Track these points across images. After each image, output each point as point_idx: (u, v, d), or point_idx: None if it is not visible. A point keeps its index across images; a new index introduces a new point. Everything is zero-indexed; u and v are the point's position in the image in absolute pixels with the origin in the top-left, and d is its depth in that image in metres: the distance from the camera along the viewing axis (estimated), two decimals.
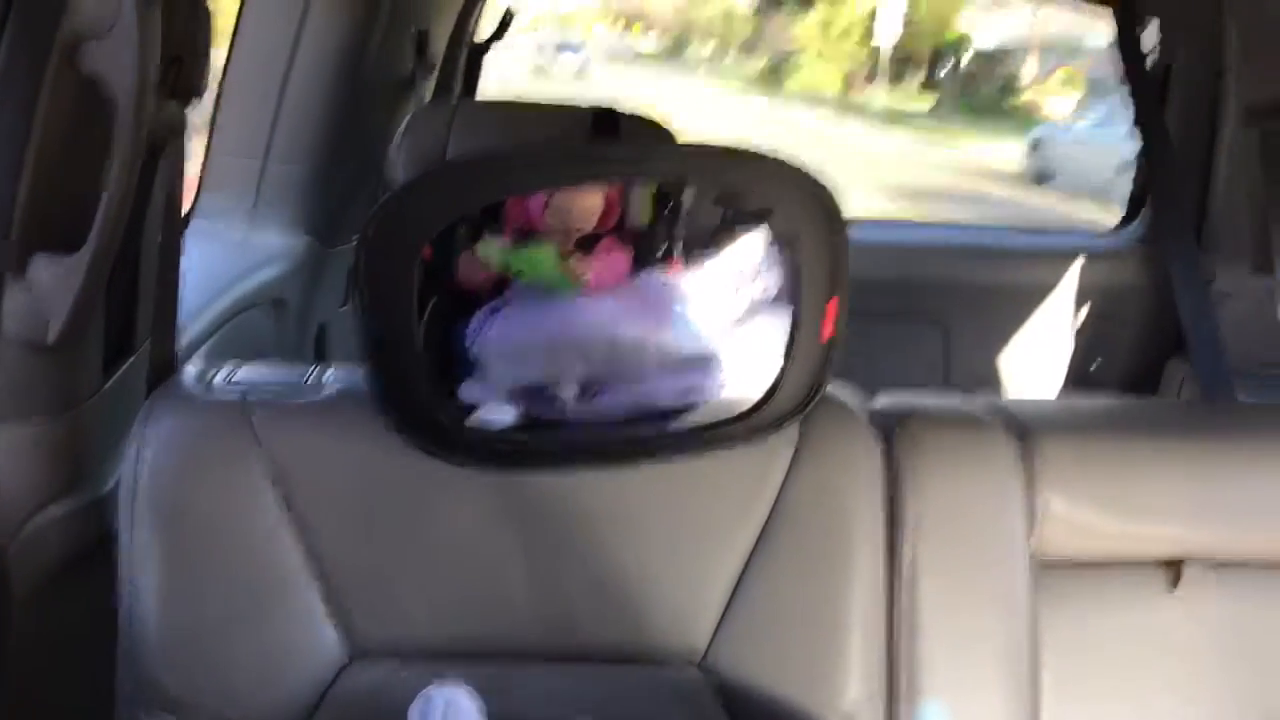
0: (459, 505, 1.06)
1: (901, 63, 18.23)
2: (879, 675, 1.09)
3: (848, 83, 19.45)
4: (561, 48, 26.57)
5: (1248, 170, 2.11)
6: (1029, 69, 16.88)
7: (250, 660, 1.03)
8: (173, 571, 1.02)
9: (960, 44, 17.30)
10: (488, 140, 1.09)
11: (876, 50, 17.87)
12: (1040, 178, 11.27)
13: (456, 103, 1.33)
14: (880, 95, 17.90)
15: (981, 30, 17.30)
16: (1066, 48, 15.31)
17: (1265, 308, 2.00)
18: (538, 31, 27.64)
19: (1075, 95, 14.77)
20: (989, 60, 16.82)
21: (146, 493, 1.03)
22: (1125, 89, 2.13)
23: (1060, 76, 15.62)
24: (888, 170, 11.21)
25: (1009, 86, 16.32)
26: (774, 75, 22.28)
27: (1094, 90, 13.52)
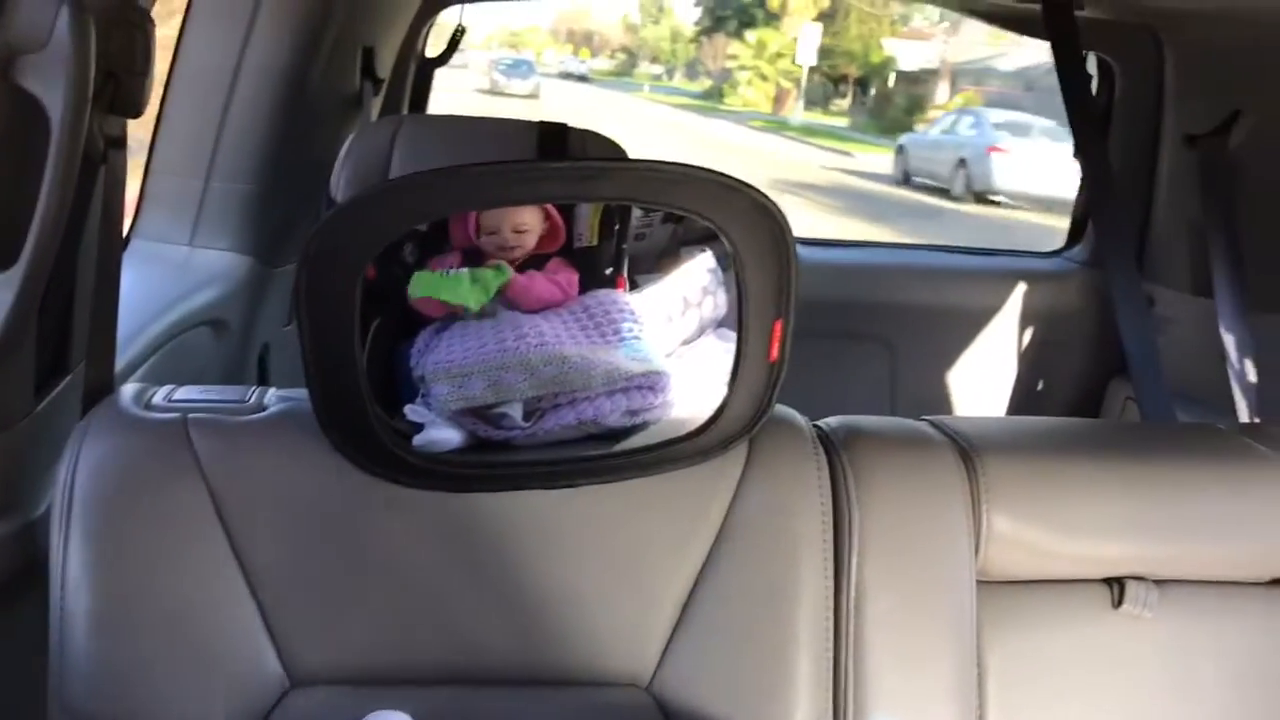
0: (402, 528, 1.04)
1: (837, 82, 20.54)
2: (826, 695, 1.08)
3: (778, 101, 21.24)
4: (513, 68, 26.26)
5: (1186, 196, 2.15)
6: (941, 91, 19.02)
7: (186, 688, 1.00)
8: (106, 597, 1.00)
9: (885, 67, 19.54)
10: (433, 157, 1.08)
11: (808, 72, 20.09)
12: (905, 177, 12.85)
13: (401, 119, 1.31)
14: (801, 112, 20.37)
15: (905, 55, 19.70)
16: (978, 73, 17.56)
17: (1204, 331, 2.03)
18: (490, 50, 27.92)
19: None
20: (911, 82, 19.17)
21: (80, 516, 1.00)
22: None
23: (959, 100, 17.24)
24: (781, 170, 12.44)
25: (916, 105, 18.44)
26: (714, 94, 23.95)
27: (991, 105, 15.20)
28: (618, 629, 1.06)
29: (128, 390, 1.09)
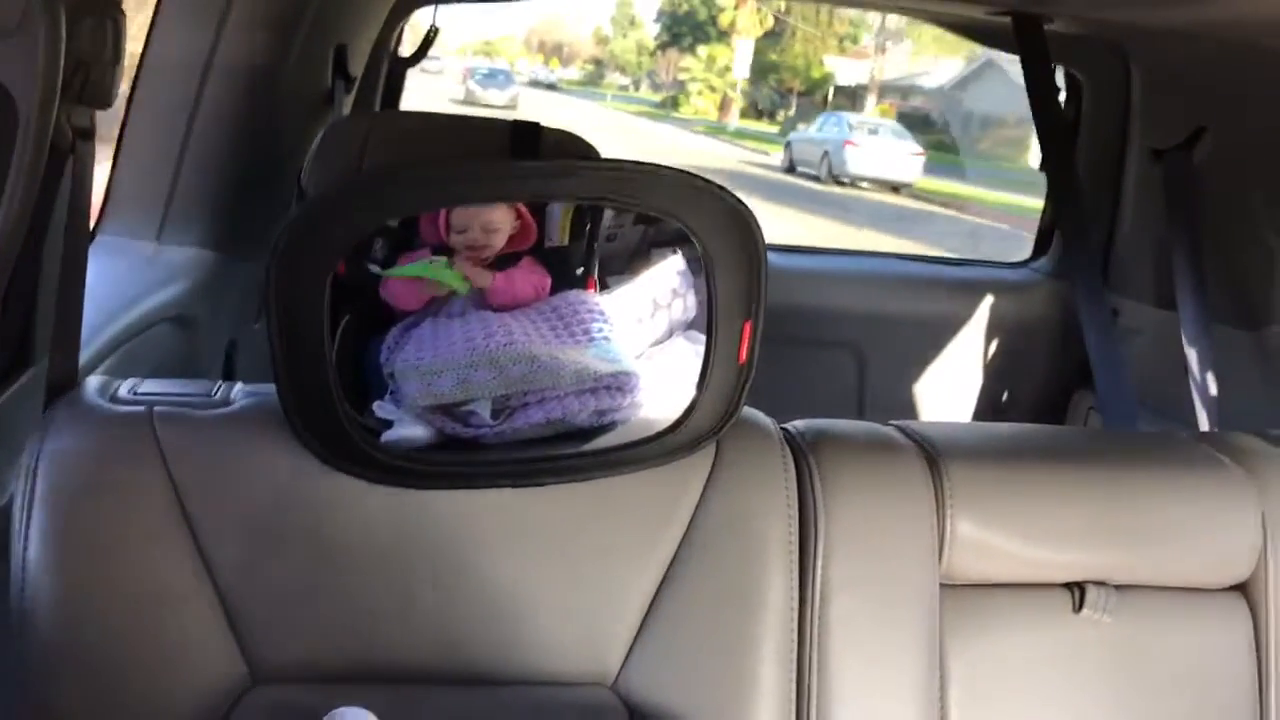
0: (369, 525, 1.03)
1: (783, 94, 22.99)
2: (790, 696, 1.09)
3: (723, 109, 23.72)
4: (489, 78, 25.74)
5: (1151, 210, 2.18)
6: (870, 104, 21.31)
7: (146, 683, 0.99)
8: (67, 590, 0.99)
9: (825, 81, 22.21)
10: (405, 153, 1.07)
11: (753, 84, 23.03)
12: (790, 166, 15.83)
13: (373, 115, 1.31)
14: (737, 119, 23.47)
15: (843, 71, 22.39)
16: (903, 89, 20.07)
17: (1167, 342, 2.05)
18: (465, 58, 27.88)
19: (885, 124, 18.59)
20: (848, 95, 21.64)
21: (43, 508, 0.99)
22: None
23: (876, 112, 19.33)
24: (699, 161, 13.36)
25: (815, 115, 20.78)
26: (669, 103, 26.31)
27: (901, 120, 18.18)
28: (583, 628, 1.06)
29: (92, 383, 1.08)
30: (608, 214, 1.22)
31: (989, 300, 2.53)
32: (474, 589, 1.05)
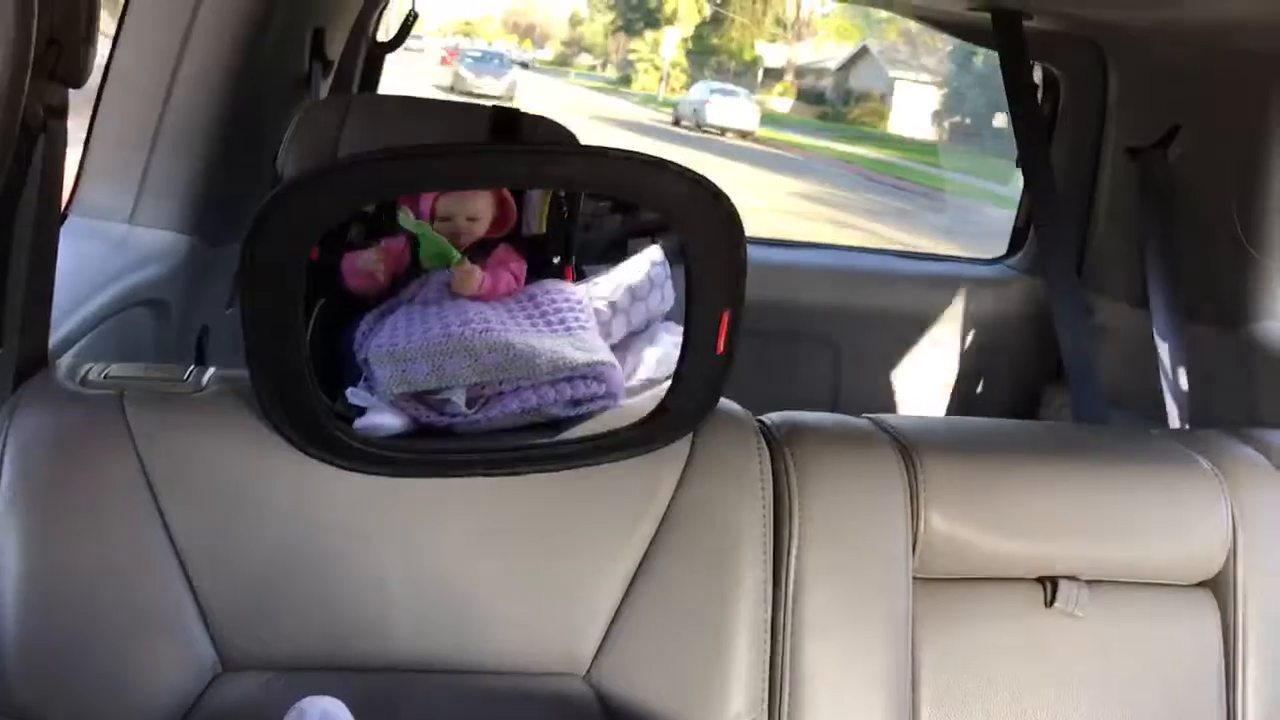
0: (341, 512, 1.03)
1: (723, 75, 26.13)
2: (762, 685, 1.09)
3: (664, 86, 27.22)
4: (482, 62, 23.12)
5: (1126, 208, 2.19)
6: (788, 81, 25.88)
7: (115, 668, 0.98)
8: (35, 574, 0.97)
9: (755, 63, 26.22)
10: (383, 137, 1.06)
11: (694, 64, 26.71)
12: (676, 121, 20.91)
13: (350, 98, 1.30)
14: (664, 92, 26.97)
15: (770, 55, 26.36)
16: (817, 71, 23.71)
17: (1139, 340, 2.07)
18: (447, 38, 27.63)
19: (787, 99, 24.62)
20: (774, 76, 25.48)
21: (9, 490, 0.98)
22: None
23: (779, 89, 25.02)
24: (616, 118, 19.31)
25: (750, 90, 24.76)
26: (624, 81, 29.44)
27: (801, 95, 23.98)
28: (556, 618, 1.06)
29: (62, 365, 1.07)
30: (586, 202, 1.21)
31: (963, 295, 2.54)
32: (446, 578, 1.04)
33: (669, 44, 27.11)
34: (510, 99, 17.60)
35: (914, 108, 21.13)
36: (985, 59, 14.90)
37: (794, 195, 11.52)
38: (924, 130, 21.00)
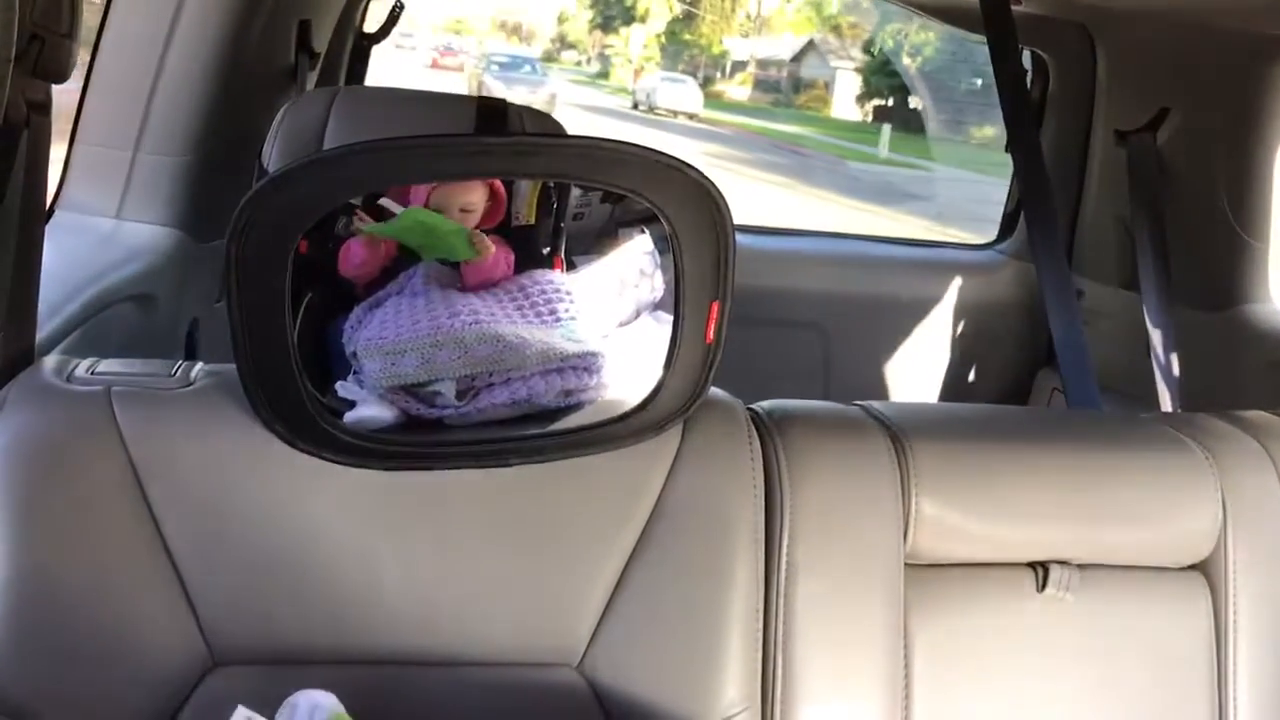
0: (331, 505, 1.03)
1: (695, 67, 28.20)
2: (756, 675, 1.09)
3: (636, 77, 28.43)
4: (511, 67, 20.83)
5: (1116, 192, 2.19)
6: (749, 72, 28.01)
7: (105, 664, 0.98)
8: (23, 570, 0.97)
9: (723, 57, 28.17)
10: (369, 130, 1.06)
11: (667, 58, 28.57)
12: (634, 105, 22.40)
13: (336, 90, 1.29)
14: (632, 83, 28.35)
15: (737, 49, 28.23)
16: (777, 63, 26.05)
17: (1130, 324, 2.07)
18: (437, 35, 27.44)
19: (745, 88, 26.64)
20: (740, 68, 27.54)
21: None
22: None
23: (739, 78, 27.05)
24: (580, 102, 20.64)
25: (709, 81, 26.87)
26: (602, 74, 31.12)
27: (758, 85, 26.46)
28: (548, 609, 1.06)
29: (49, 362, 1.06)
30: (575, 192, 1.21)
31: (954, 281, 2.55)
32: (438, 570, 1.04)
33: (636, 41, 29.69)
34: (551, 105, 16.30)
35: (846, 93, 23.74)
36: (897, 47, 18.25)
37: (703, 154, 13.71)
38: (852, 112, 23.55)
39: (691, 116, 21.18)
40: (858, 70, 22.71)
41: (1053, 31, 2.27)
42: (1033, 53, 2.41)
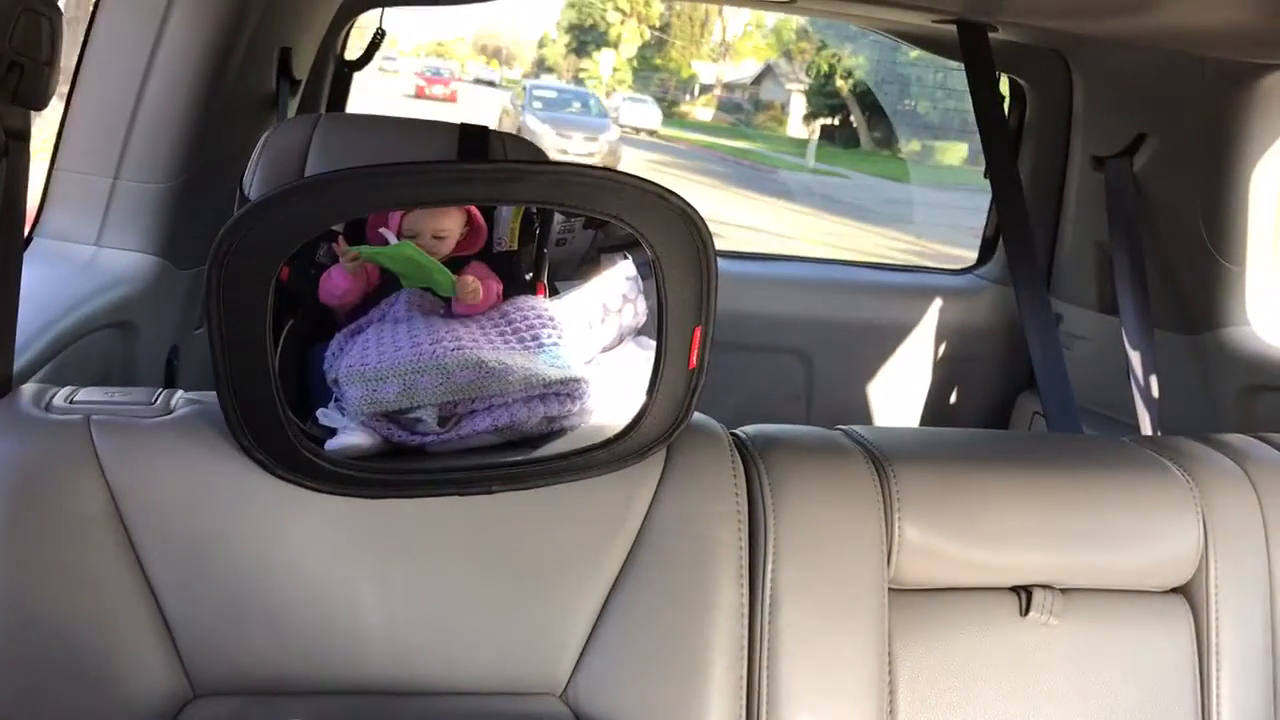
0: (311, 533, 1.02)
1: (666, 90, 29.65)
2: (740, 701, 1.08)
3: (609, 98, 29.48)
4: (558, 104, 16.67)
5: (1093, 216, 2.21)
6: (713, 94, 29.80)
7: (83, 695, 0.97)
8: (1, 603, 0.96)
9: (691, 80, 29.71)
10: (350, 156, 1.06)
11: (639, 80, 29.98)
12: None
13: (317, 117, 1.29)
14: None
15: (704, 73, 29.64)
16: (741, 85, 27.25)
17: (1109, 347, 2.08)
18: (419, 59, 27.32)
19: (709, 109, 27.55)
20: (707, 90, 29.15)
21: None
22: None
23: (702, 100, 28.37)
24: None
25: (675, 102, 28.56)
26: None
27: (721, 106, 27.43)
28: (531, 637, 1.05)
29: (27, 390, 1.05)
30: (557, 218, 1.21)
31: (934, 306, 2.56)
32: (420, 599, 1.04)
33: (606, 64, 31.29)
34: (614, 153, 14.91)
35: (798, 114, 24.88)
36: (831, 70, 20.91)
37: (649, 162, 15.10)
38: (802, 131, 24.67)
39: (652, 133, 21.87)
40: (803, 92, 23.98)
41: (1029, 58, 2.29)
42: (1010, 79, 2.43)
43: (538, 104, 16.77)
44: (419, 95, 21.42)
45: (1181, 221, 2.06)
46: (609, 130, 16.19)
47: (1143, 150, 2.08)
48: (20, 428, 1.00)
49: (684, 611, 1.07)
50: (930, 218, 13.26)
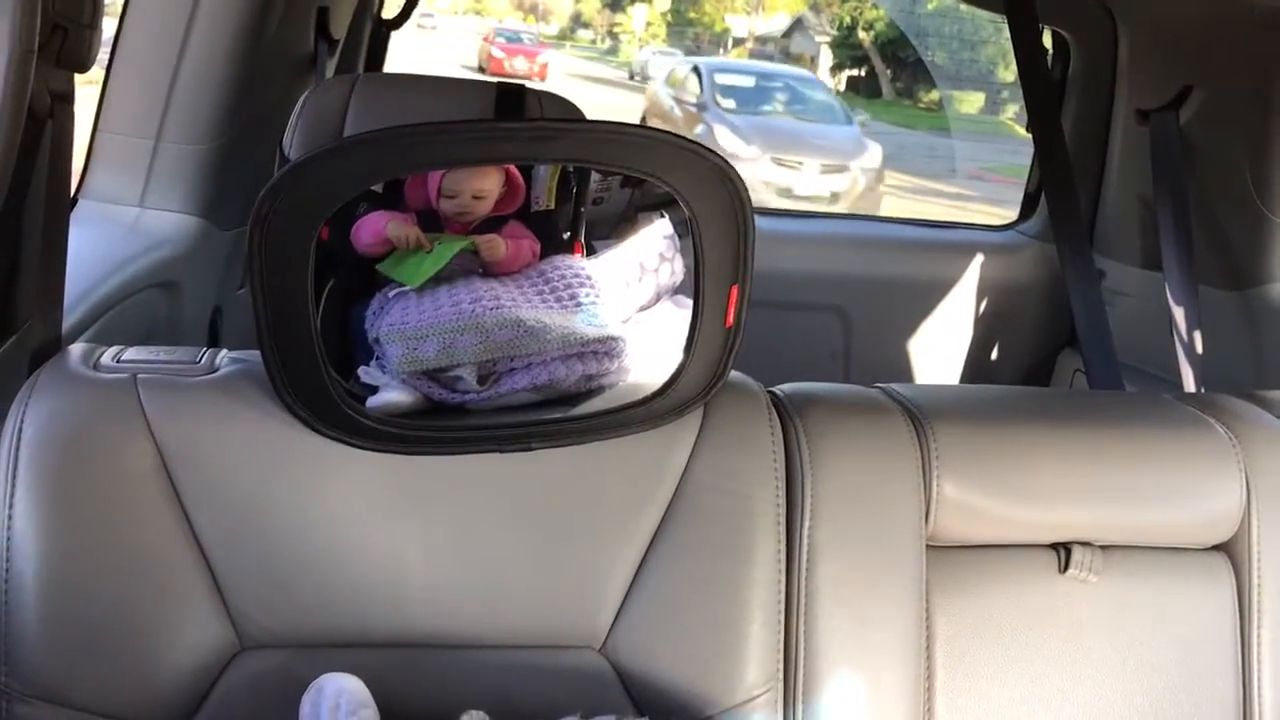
0: (354, 490, 1.03)
1: (699, 44, 29.37)
2: (777, 656, 1.09)
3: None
4: (755, 97, 10.54)
5: (1138, 171, 2.18)
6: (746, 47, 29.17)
7: (135, 648, 0.99)
8: (53, 557, 0.98)
9: (725, 34, 29.26)
10: (389, 116, 1.06)
11: (673, 34, 29.81)
12: (631, 76, 21.25)
13: (356, 77, 1.29)
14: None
15: (737, 26, 29.25)
16: (775, 39, 26.53)
17: (1153, 304, 2.06)
18: (482, 16, 27.23)
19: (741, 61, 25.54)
20: (739, 44, 28.51)
21: (26, 476, 0.98)
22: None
23: (735, 53, 26.91)
24: (586, 74, 20.56)
25: (709, 55, 27.21)
26: (611, 51, 32.25)
27: (752, 58, 24.79)
28: (571, 592, 1.07)
29: (75, 350, 1.07)
30: (594, 176, 1.21)
31: (975, 262, 2.54)
32: (460, 553, 1.05)
33: (639, 19, 31.40)
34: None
35: (826, 66, 24.34)
36: (854, 23, 20.53)
37: None
38: (829, 82, 24.46)
39: None
40: (829, 44, 23.80)
41: (1073, 10, 2.25)
42: (1053, 32, 2.39)
43: (726, 98, 10.30)
44: (495, 71, 15.49)
45: (1228, 175, 2.02)
46: (862, 148, 9.67)
47: (1189, 103, 2.04)
48: (70, 386, 1.02)
49: (721, 567, 1.08)
50: (932, 159, 13.08)
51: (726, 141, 9.26)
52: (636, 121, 1.13)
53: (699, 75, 10.88)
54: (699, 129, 9.71)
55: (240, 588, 1.02)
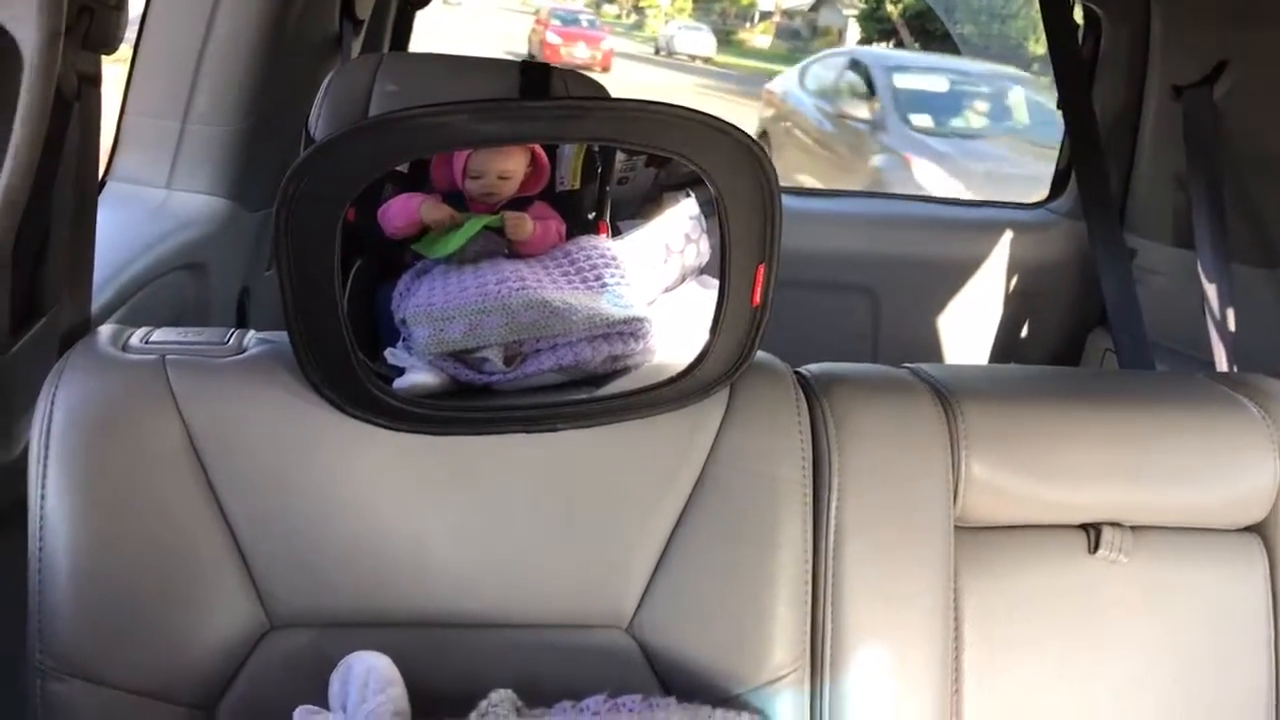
0: (381, 471, 1.04)
1: (725, 18, 30.17)
2: (804, 637, 1.09)
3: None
4: (939, 106, 6.83)
5: (1170, 148, 2.15)
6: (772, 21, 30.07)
7: (165, 627, 1.00)
8: (85, 537, 0.99)
9: (751, 7, 29.62)
10: (414, 95, 1.06)
11: (700, 9, 30.44)
12: (657, 51, 22.98)
13: (381, 56, 1.29)
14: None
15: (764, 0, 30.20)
16: (801, 13, 27.29)
17: (1184, 282, 2.04)
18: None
19: (767, 36, 27.89)
20: (766, 18, 29.24)
21: (58, 456, 0.99)
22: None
23: (761, 26, 28.61)
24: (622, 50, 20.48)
25: (733, 30, 28.75)
26: (639, 25, 32.96)
27: (779, 33, 27.38)
28: (597, 571, 1.07)
29: (104, 331, 1.08)
30: (619, 156, 1.20)
31: (1004, 241, 2.51)
32: (487, 534, 1.05)
33: None
34: None
35: (854, 39, 24.32)
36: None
37: (695, 85, 15.23)
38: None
39: (706, 60, 21.69)
40: (856, 17, 23.85)
41: None
42: (1085, 7, 2.36)
43: (917, 112, 6.96)
44: (550, 60, 10.86)
45: (1263, 152, 1.99)
46: None
47: (1224, 79, 2.00)
48: (99, 367, 1.03)
49: (748, 546, 1.08)
50: None
51: (933, 180, 6.12)
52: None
53: (867, 76, 7.22)
54: (877, 160, 6.59)
55: (268, 567, 1.03)
